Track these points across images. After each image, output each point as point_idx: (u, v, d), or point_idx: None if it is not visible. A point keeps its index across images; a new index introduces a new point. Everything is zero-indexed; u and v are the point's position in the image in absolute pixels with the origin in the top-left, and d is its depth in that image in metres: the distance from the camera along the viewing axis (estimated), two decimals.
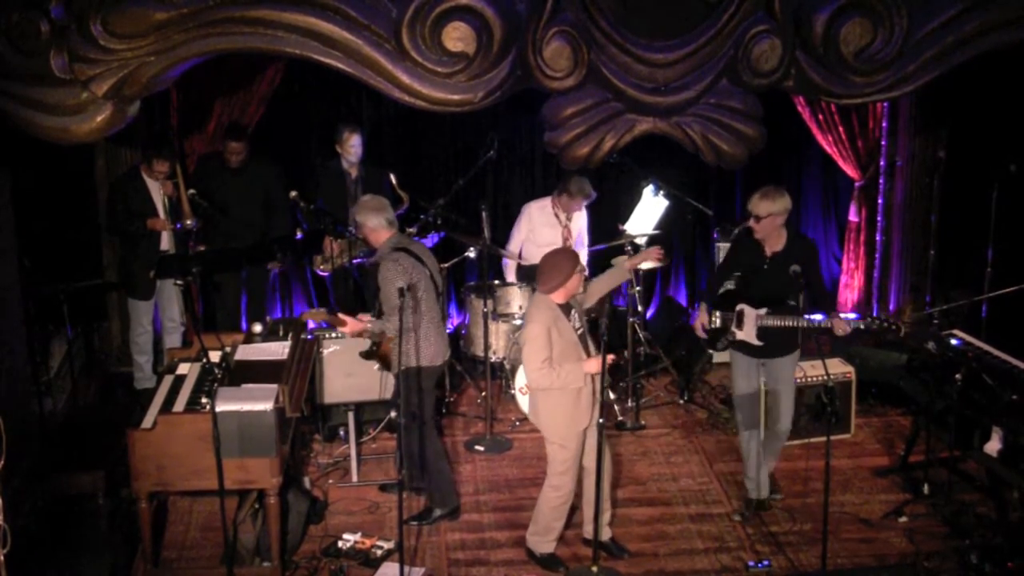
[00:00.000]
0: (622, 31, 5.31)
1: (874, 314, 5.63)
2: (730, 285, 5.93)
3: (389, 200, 7.49)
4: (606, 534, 5.74)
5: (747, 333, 5.82)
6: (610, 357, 5.33)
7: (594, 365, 5.29)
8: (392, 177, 7.44)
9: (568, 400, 5.33)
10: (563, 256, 5.40)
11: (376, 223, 5.89)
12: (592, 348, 5.47)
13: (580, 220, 7.79)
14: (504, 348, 7.43)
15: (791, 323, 5.70)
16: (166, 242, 7.31)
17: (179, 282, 7.09)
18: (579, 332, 5.41)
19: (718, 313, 5.95)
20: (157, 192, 7.22)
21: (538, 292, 5.38)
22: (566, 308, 5.38)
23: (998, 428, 5.69)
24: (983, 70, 6.18)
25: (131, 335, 7.58)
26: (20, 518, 5.04)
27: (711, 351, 6.23)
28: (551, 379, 5.28)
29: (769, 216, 5.68)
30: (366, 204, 5.99)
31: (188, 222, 7.22)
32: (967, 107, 7.84)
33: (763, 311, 5.76)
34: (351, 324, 5.91)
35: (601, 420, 5.27)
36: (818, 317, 5.83)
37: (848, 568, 5.61)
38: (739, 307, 5.84)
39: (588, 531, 5.71)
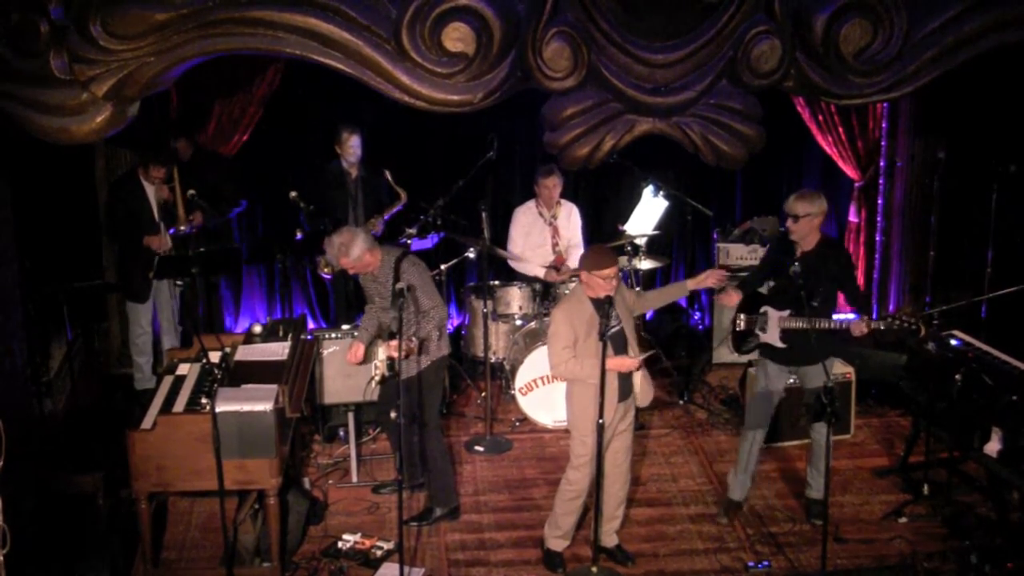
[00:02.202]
0: (622, 32, 5.30)
1: (891, 312, 5.60)
2: (763, 290, 5.95)
3: (386, 197, 7.56)
4: (612, 540, 5.74)
5: (771, 335, 5.82)
6: (637, 360, 5.32)
7: (619, 363, 5.27)
8: (387, 174, 7.46)
9: (590, 394, 5.31)
10: (595, 253, 5.40)
11: (365, 243, 5.72)
12: (632, 350, 5.42)
13: (570, 222, 7.73)
14: (504, 349, 7.43)
15: (813, 325, 5.57)
16: (165, 246, 7.30)
17: (179, 282, 7.09)
18: (613, 330, 5.29)
19: (743, 316, 5.94)
20: (154, 196, 7.21)
21: (579, 287, 5.42)
22: (603, 304, 5.29)
23: (998, 429, 5.69)
24: (983, 70, 6.18)
25: (130, 336, 7.58)
26: (20, 518, 5.03)
27: (738, 354, 6.17)
28: (569, 368, 5.29)
29: (806, 216, 5.64)
30: (340, 243, 5.69)
31: (182, 227, 7.22)
32: (967, 107, 7.84)
33: (786, 313, 5.75)
34: (354, 350, 5.93)
35: (601, 420, 5.27)
36: (843, 317, 5.80)
37: (848, 569, 5.61)
38: (763, 309, 5.85)
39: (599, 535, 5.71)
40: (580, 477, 5.50)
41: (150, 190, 7.22)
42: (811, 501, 6.06)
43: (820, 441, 5.86)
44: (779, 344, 5.80)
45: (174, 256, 7.21)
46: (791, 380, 5.97)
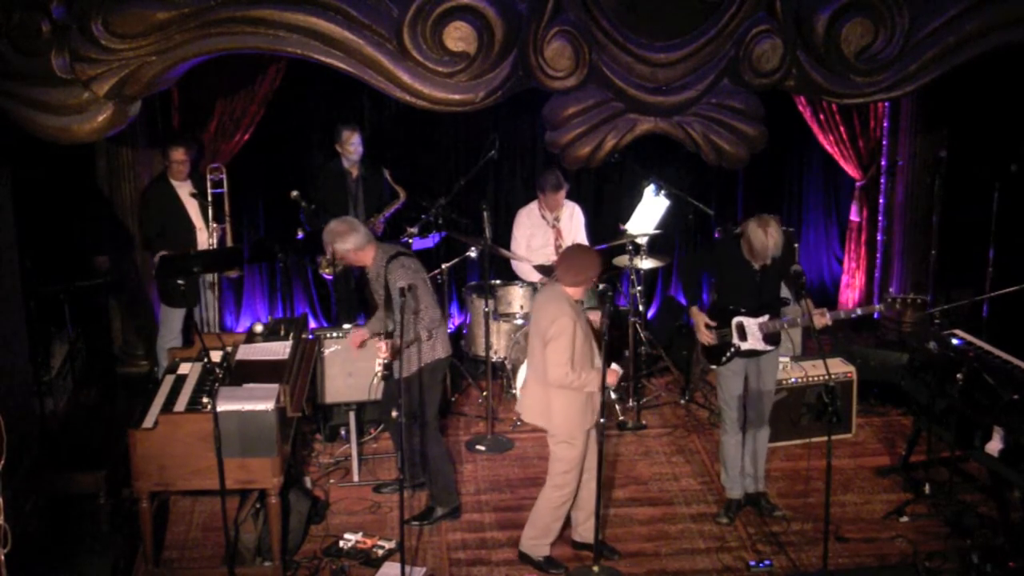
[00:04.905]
0: (623, 31, 5.31)
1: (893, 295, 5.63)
2: (714, 297, 5.96)
3: (387, 195, 7.56)
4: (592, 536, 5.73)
5: (754, 342, 5.83)
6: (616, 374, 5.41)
7: (614, 377, 5.38)
8: (387, 173, 7.46)
9: (581, 399, 5.32)
10: (593, 256, 5.39)
11: (358, 241, 5.73)
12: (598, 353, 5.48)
13: (573, 221, 7.73)
14: (505, 348, 7.42)
15: (796, 323, 5.77)
16: (203, 245, 7.27)
17: (181, 282, 7.08)
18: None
19: (712, 331, 5.90)
20: (187, 196, 7.18)
21: (558, 285, 5.32)
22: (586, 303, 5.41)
23: (999, 428, 5.69)
24: (983, 70, 6.18)
25: (159, 341, 7.41)
26: (20, 518, 5.04)
27: (714, 367, 6.06)
28: (571, 379, 5.24)
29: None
30: (336, 230, 5.73)
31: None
32: (968, 107, 7.84)
33: (764, 318, 5.78)
34: (357, 334, 6.05)
35: (602, 420, 5.27)
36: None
37: (849, 568, 5.61)
38: (736, 320, 5.83)
39: (579, 533, 5.71)
40: (570, 480, 5.50)
41: (182, 188, 7.19)
42: (730, 503, 6.12)
43: (762, 440, 6.09)
44: (766, 347, 5.86)
45: (174, 255, 7.19)
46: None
